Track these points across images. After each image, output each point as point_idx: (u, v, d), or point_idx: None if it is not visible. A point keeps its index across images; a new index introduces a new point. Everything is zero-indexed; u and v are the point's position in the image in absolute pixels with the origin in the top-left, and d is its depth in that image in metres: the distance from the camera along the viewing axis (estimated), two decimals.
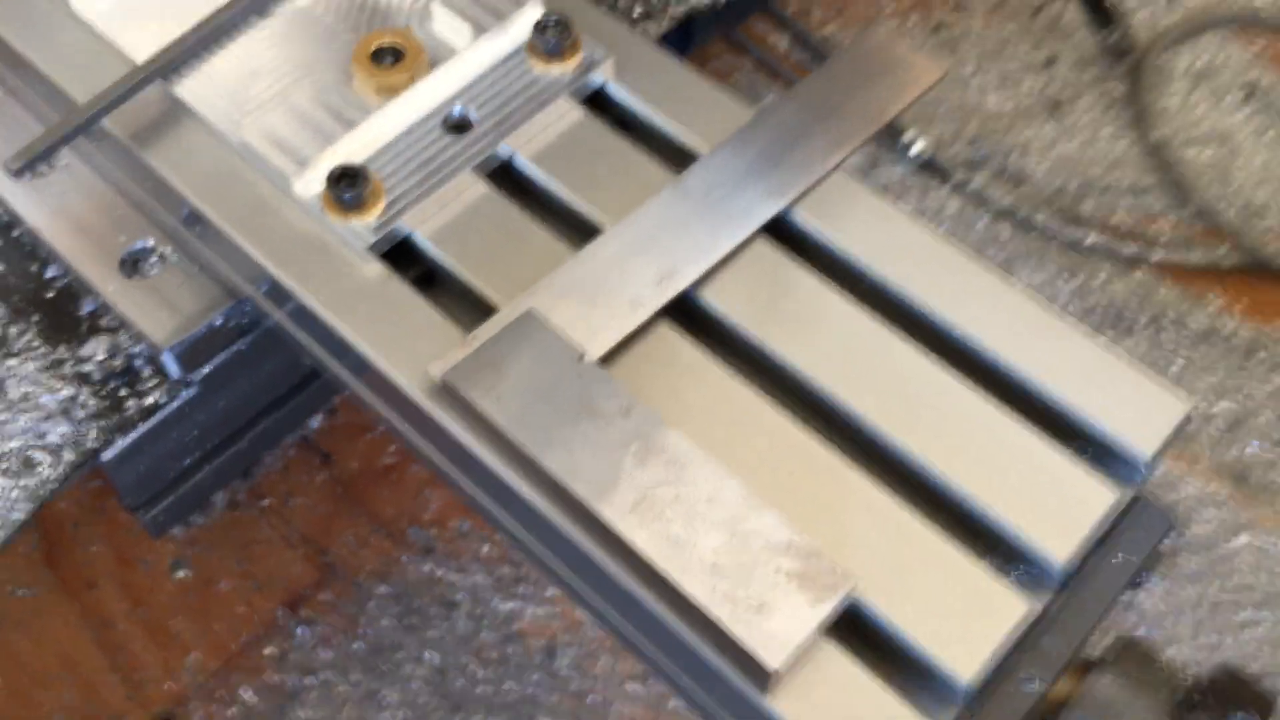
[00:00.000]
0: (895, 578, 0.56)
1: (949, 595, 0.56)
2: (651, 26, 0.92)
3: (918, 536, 0.57)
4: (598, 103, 0.72)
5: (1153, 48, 1.39)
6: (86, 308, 0.75)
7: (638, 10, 0.92)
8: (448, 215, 0.67)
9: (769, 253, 0.65)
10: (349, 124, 0.67)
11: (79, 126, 0.66)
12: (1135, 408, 0.60)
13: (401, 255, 0.67)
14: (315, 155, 0.66)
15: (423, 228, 0.66)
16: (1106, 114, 1.37)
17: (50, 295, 0.76)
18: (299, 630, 1.06)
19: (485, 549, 1.09)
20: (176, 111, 0.70)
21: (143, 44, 0.71)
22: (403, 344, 0.62)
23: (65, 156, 0.78)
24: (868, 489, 0.58)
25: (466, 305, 0.65)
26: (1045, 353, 0.62)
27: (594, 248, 0.64)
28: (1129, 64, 1.39)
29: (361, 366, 0.63)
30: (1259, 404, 1.18)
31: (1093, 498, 0.58)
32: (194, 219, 0.70)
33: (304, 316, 0.65)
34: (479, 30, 0.70)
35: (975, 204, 1.31)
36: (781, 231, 0.66)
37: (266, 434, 0.81)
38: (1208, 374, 1.20)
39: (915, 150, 1.32)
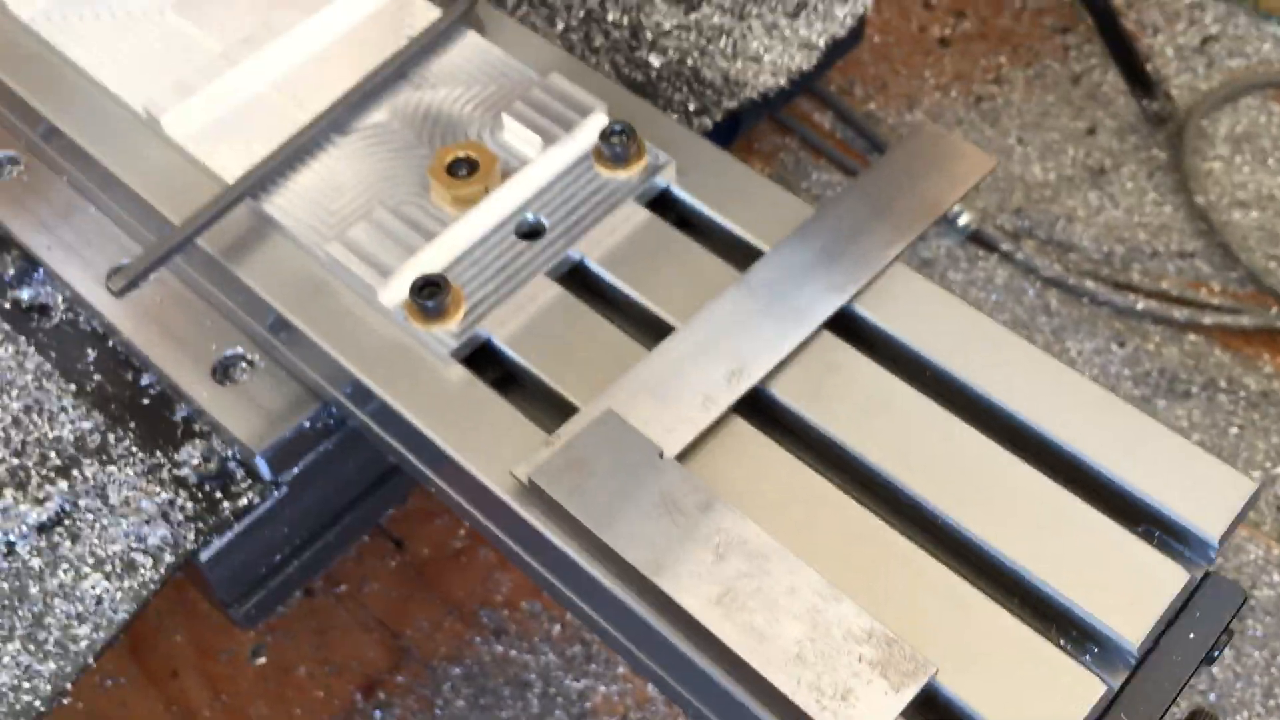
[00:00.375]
0: (973, 661, 0.57)
1: (1026, 677, 0.57)
2: (705, 120, 0.95)
3: (993, 620, 0.59)
4: (662, 203, 0.75)
5: (1193, 113, 1.41)
6: (180, 413, 0.79)
7: (692, 105, 0.96)
8: (524, 319, 0.70)
9: (834, 346, 0.68)
10: (428, 234, 0.71)
11: (176, 246, 0.70)
12: (1203, 489, 0.62)
13: (481, 357, 0.70)
14: (397, 265, 0.69)
15: (501, 331, 0.69)
16: (1150, 180, 1.39)
17: (145, 402, 0.80)
18: (376, 713, 1.08)
19: (555, 629, 1.11)
20: (264, 226, 0.74)
21: (230, 162, 0.75)
22: (488, 445, 0.65)
23: (160, 273, 0.82)
24: (942, 574, 0.60)
25: (545, 405, 0.68)
26: (1110, 436, 0.64)
27: (666, 347, 0.67)
28: (1170, 129, 1.41)
29: (448, 467, 0.66)
30: None
31: (1165, 578, 0.59)
32: (281, 326, 0.74)
33: (391, 419, 0.69)
34: (547, 139, 0.74)
35: (1024, 273, 1.33)
36: (845, 324, 0.69)
37: (351, 527, 0.84)
38: (1265, 437, 1.20)
39: (962, 222, 1.34)
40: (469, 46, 0.81)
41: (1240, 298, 1.30)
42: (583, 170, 0.74)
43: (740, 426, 0.65)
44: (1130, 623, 0.58)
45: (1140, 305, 1.28)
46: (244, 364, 0.78)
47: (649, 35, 1.00)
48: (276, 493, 0.77)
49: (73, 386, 0.81)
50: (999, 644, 0.58)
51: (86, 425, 0.79)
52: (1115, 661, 0.59)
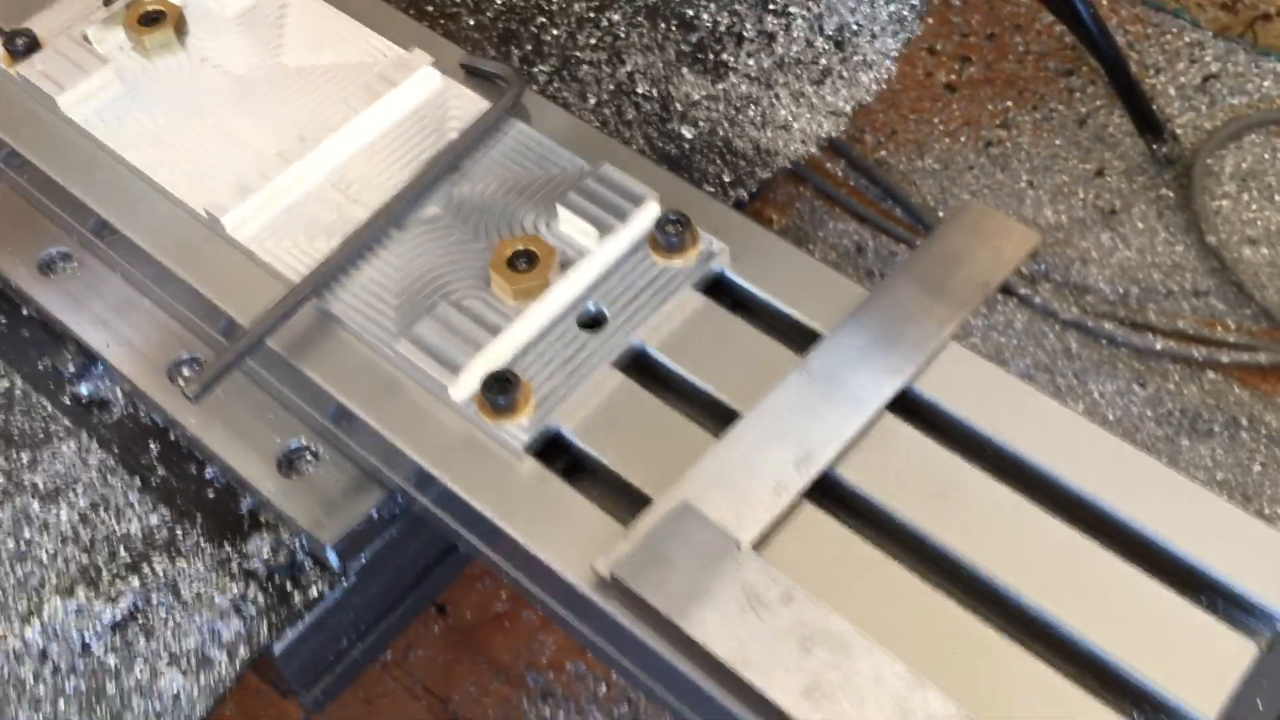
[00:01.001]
0: None
1: None
2: (741, 192, 0.98)
3: (1070, 700, 0.61)
4: (716, 288, 0.77)
5: (1199, 152, 1.44)
6: (246, 505, 0.80)
7: (727, 177, 0.98)
8: (590, 409, 0.71)
9: (897, 428, 0.70)
10: (493, 328, 0.72)
11: (248, 349, 0.72)
12: (1264, 559, 0.63)
13: (549, 446, 0.71)
14: (466, 361, 0.71)
15: (569, 422, 0.71)
16: (1160, 220, 1.42)
17: (211, 495, 0.81)
18: None
19: (602, 689, 1.13)
20: (327, 323, 0.76)
21: (291, 260, 0.77)
22: (564, 538, 0.67)
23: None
24: (1019, 655, 0.62)
25: (616, 494, 0.70)
26: (1170, 509, 0.66)
27: (734, 435, 0.69)
28: (1178, 170, 1.44)
29: (526, 560, 0.68)
30: None
31: (1234, 651, 0.61)
32: (344, 416, 0.75)
33: (466, 513, 0.70)
34: (603, 229, 0.75)
35: (1043, 317, 1.35)
36: (906, 405, 0.71)
37: (413, 606, 0.86)
38: None
39: None
40: (517, 136, 0.82)
41: (1255, 334, 1.32)
42: (639, 259, 0.76)
43: (811, 512, 0.67)
44: (1206, 697, 0.60)
45: (1159, 345, 1.31)
46: (308, 455, 0.80)
47: (679, 107, 1.02)
48: (345, 582, 0.78)
49: (137, 481, 0.82)
50: None
51: (154, 520, 0.80)
52: None
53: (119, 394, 0.85)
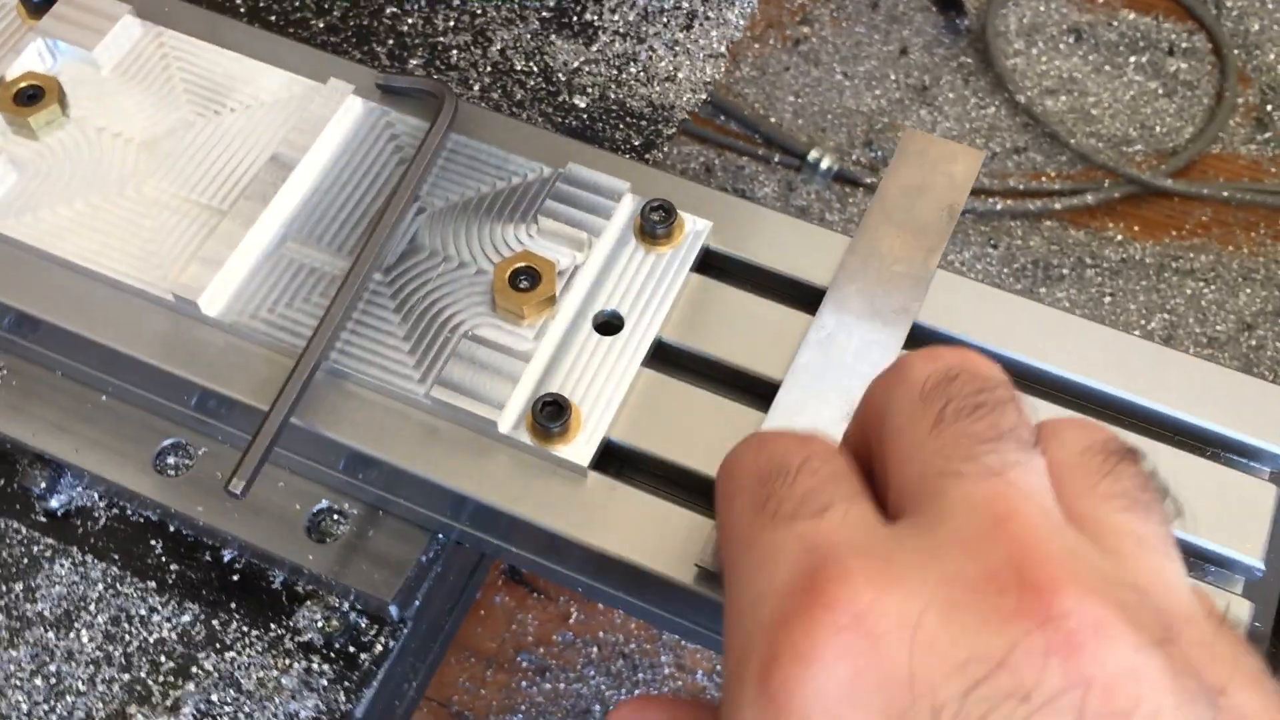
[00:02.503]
0: None
1: None
2: (656, 154, 0.99)
3: None
4: (707, 264, 0.79)
5: (985, 14, 1.54)
6: (277, 578, 0.78)
7: (636, 140, 0.99)
8: (633, 410, 0.73)
9: None
10: (520, 354, 0.72)
11: (280, 429, 0.69)
12: (1259, 409, 0.72)
13: (602, 455, 0.73)
14: (507, 393, 0.71)
15: (616, 429, 0.72)
16: (968, 87, 1.51)
17: (235, 579, 0.78)
18: None
19: (594, 651, 1.16)
20: (338, 383, 0.74)
21: (281, 328, 0.74)
22: (656, 542, 0.69)
23: (204, 444, 0.80)
24: None
25: (683, 487, 0.72)
26: (1168, 382, 0.74)
27: (779, 404, 0.72)
28: (971, 34, 1.53)
29: (625, 572, 0.69)
30: (1182, 314, 1.35)
31: (1259, 495, 0.70)
32: (362, 466, 0.74)
33: (545, 540, 0.71)
34: (592, 231, 0.76)
35: None
36: (915, 338, 0.75)
37: (450, 630, 0.86)
38: (1133, 298, 1.36)
39: (824, 165, 1.43)
40: (462, 150, 0.81)
41: (1075, 177, 1.44)
42: (631, 252, 0.77)
43: None
44: (1249, 544, 0.69)
45: (999, 206, 1.41)
46: (335, 515, 0.78)
47: (562, 77, 1.02)
48: (404, 629, 0.78)
49: (152, 583, 0.78)
50: None
51: (185, 619, 0.77)
52: (1235, 577, 0.70)
53: (97, 498, 0.81)
